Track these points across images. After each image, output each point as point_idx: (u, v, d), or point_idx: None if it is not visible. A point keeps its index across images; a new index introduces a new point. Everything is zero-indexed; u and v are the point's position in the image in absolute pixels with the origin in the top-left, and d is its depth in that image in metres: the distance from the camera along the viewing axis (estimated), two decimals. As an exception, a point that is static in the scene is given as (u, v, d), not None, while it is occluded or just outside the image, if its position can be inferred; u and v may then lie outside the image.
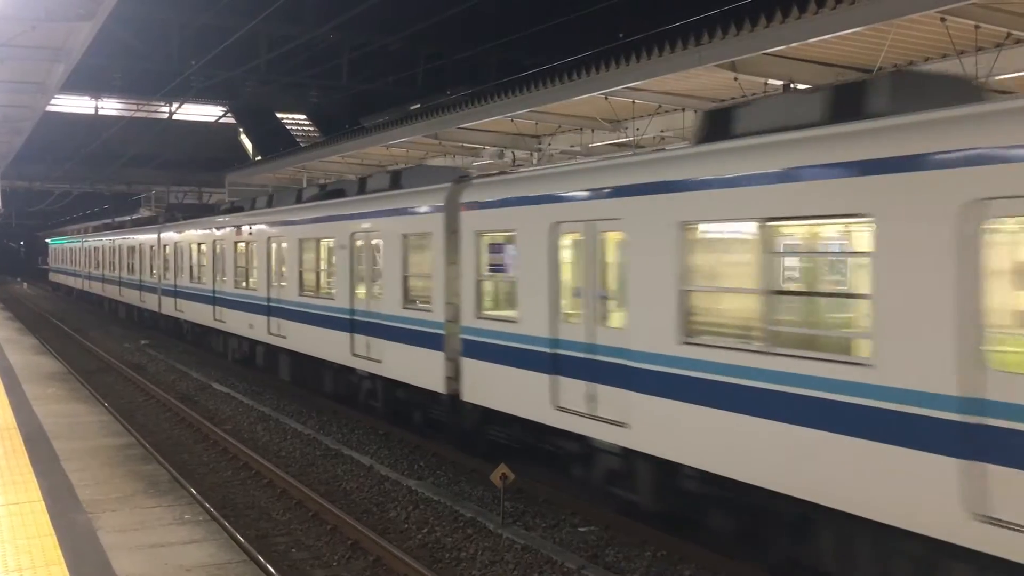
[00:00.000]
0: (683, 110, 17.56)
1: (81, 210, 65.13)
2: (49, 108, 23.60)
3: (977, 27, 11.51)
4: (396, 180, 15.47)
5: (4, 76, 17.03)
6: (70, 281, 54.62)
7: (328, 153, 28.76)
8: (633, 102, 17.05)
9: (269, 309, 19.54)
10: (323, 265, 17.37)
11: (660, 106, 17.56)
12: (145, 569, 7.70)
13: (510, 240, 11.65)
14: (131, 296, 35.08)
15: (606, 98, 16.64)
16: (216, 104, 50.00)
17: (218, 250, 23.53)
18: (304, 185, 30.98)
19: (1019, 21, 11.59)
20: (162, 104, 42.29)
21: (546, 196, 10.78)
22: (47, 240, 74.82)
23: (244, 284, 21.56)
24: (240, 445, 14.53)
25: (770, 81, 14.25)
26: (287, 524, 11.03)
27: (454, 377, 12.65)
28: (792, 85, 14.07)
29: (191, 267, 26.07)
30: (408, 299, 14.02)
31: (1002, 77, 12.84)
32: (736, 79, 14.04)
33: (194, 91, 34.28)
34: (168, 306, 28.98)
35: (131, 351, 28.34)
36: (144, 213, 46.72)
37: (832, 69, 14.08)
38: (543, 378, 10.64)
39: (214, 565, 7.83)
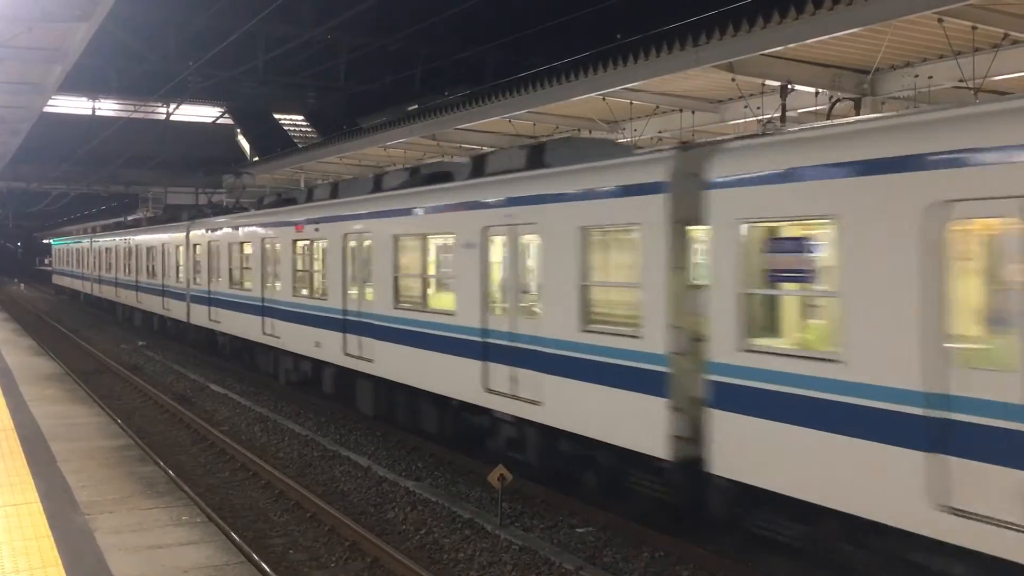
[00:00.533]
0: (680, 111, 17.61)
1: (79, 211, 65.06)
2: (46, 109, 23.58)
3: (974, 28, 11.55)
4: (537, 157, 11.70)
5: (1, 77, 17.02)
6: (76, 284, 50.32)
7: (325, 154, 28.81)
8: (631, 103, 17.10)
9: (345, 324, 15.51)
10: (433, 269, 13.52)
11: (658, 107, 17.61)
12: (142, 570, 7.69)
13: (817, 232, 7.77)
14: (151, 303, 30.93)
15: (604, 99, 16.69)
16: (213, 105, 49.99)
17: (268, 250, 19.60)
18: (303, 185, 30.88)
19: (1016, 22, 11.63)
20: (159, 105, 42.26)
21: (923, 158, 6.67)
22: (45, 241, 74.69)
23: (307, 292, 17.59)
24: (238, 446, 14.51)
25: (767, 82, 14.29)
26: (285, 525, 11.02)
27: (691, 437, 8.74)
28: (791, 86, 14.11)
29: (231, 271, 22.14)
30: (589, 319, 10.03)
31: (999, 78, 12.87)
32: (734, 80, 14.09)
33: (191, 92, 34.26)
34: (200, 316, 24.88)
35: (128, 352, 28.31)
36: (142, 214, 46.57)
37: (829, 70, 14.13)
38: (910, 457, 6.73)
39: (211, 567, 7.82)
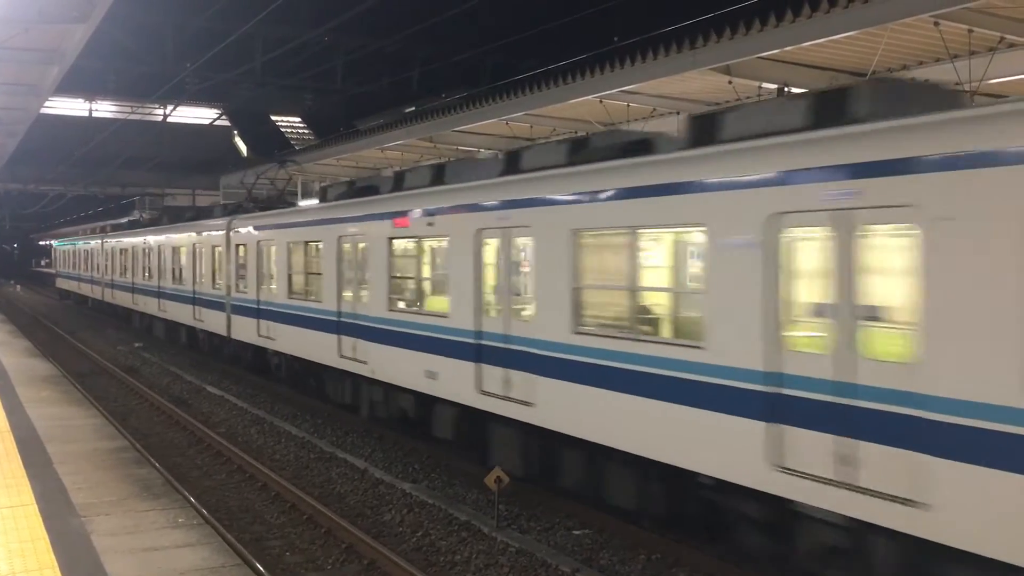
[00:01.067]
0: (677, 113, 17.63)
1: (76, 212, 64.96)
2: (43, 110, 23.58)
3: (970, 31, 11.59)
4: (836, 107, 7.77)
5: (-2, 78, 17.04)
6: (84, 289, 46.26)
7: (323, 156, 28.82)
8: (628, 105, 17.13)
9: (480, 351, 11.78)
10: (656, 280, 9.51)
11: (655, 109, 17.63)
12: (138, 573, 7.68)
13: None
14: (179, 312, 26.98)
15: (601, 101, 16.73)
16: (211, 107, 49.99)
17: (349, 251, 15.61)
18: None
19: (1012, 25, 11.67)
20: (157, 106, 42.25)
21: None
22: (42, 242, 74.50)
23: (410, 305, 13.81)
24: (234, 448, 14.50)
25: (764, 85, 14.32)
26: (281, 528, 11.01)
27: None
28: (787, 89, 14.15)
29: (290, 276, 18.26)
30: None
31: (995, 81, 12.91)
32: (730, 82, 14.12)
33: (189, 93, 34.23)
34: (244, 330, 20.97)
35: (124, 354, 28.28)
36: (139, 215, 46.45)
37: (826, 73, 14.16)
38: None
39: (208, 569, 7.82)
